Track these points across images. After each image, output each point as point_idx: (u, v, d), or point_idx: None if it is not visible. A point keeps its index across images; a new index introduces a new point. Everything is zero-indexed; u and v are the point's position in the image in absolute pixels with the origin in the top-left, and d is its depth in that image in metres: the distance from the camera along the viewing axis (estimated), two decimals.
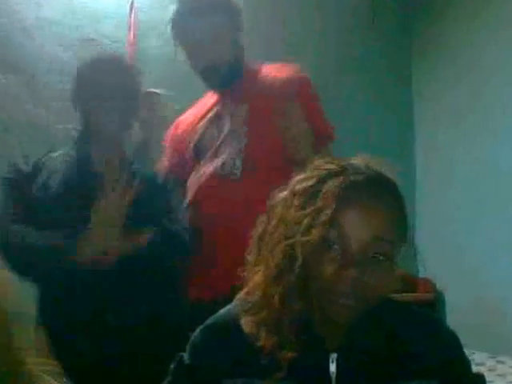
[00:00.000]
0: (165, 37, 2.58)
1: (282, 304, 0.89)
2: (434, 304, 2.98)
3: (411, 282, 2.87)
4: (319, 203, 0.87)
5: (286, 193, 0.93)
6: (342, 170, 0.90)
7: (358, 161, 0.94)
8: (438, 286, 3.06)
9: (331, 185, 0.88)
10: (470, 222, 3.08)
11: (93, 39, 2.49)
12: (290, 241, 0.88)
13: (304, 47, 2.95)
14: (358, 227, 0.86)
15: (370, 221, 0.87)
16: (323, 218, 0.85)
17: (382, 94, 3.32)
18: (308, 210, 0.87)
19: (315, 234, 0.85)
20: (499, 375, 2.23)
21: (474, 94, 3.14)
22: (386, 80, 3.37)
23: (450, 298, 3.07)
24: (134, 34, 2.44)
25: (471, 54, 3.20)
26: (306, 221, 0.87)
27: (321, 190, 0.88)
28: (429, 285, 3.00)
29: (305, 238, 0.86)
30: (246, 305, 0.94)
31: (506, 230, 2.88)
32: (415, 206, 3.13)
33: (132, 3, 2.51)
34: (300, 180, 0.92)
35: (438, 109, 3.35)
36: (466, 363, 0.98)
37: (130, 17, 2.50)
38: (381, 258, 0.87)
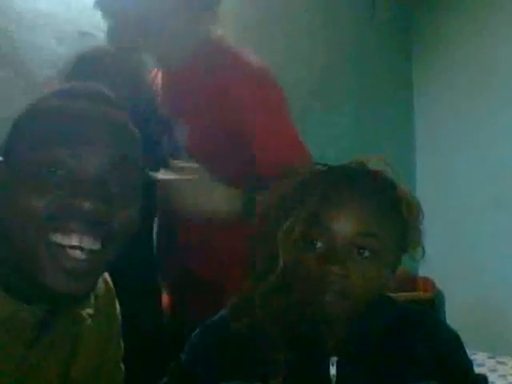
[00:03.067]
0: None
1: (264, 305, 0.90)
2: (434, 303, 2.98)
3: (411, 281, 2.87)
4: (302, 202, 0.89)
5: (275, 198, 0.96)
6: (326, 169, 0.93)
7: (350, 162, 0.96)
8: (437, 284, 3.06)
9: (314, 183, 0.91)
10: (470, 221, 3.07)
11: (88, 32, 2.46)
12: (272, 239, 0.90)
13: (297, 44, 2.91)
14: (340, 223, 0.87)
15: (353, 216, 0.88)
16: (303, 215, 0.87)
17: (381, 92, 3.29)
18: (291, 210, 0.90)
19: (296, 230, 0.87)
20: (500, 376, 2.22)
21: (474, 91, 3.14)
22: (385, 78, 3.35)
23: (451, 299, 3.06)
24: None
25: (472, 50, 3.19)
26: (288, 220, 0.89)
27: (305, 190, 0.91)
28: (428, 283, 3.00)
29: (285, 236, 0.88)
30: (236, 307, 0.95)
31: (507, 229, 2.87)
32: None
33: None
34: (287, 183, 0.95)
35: (438, 106, 3.34)
36: (467, 363, 0.97)
37: None
38: (366, 253, 0.87)
